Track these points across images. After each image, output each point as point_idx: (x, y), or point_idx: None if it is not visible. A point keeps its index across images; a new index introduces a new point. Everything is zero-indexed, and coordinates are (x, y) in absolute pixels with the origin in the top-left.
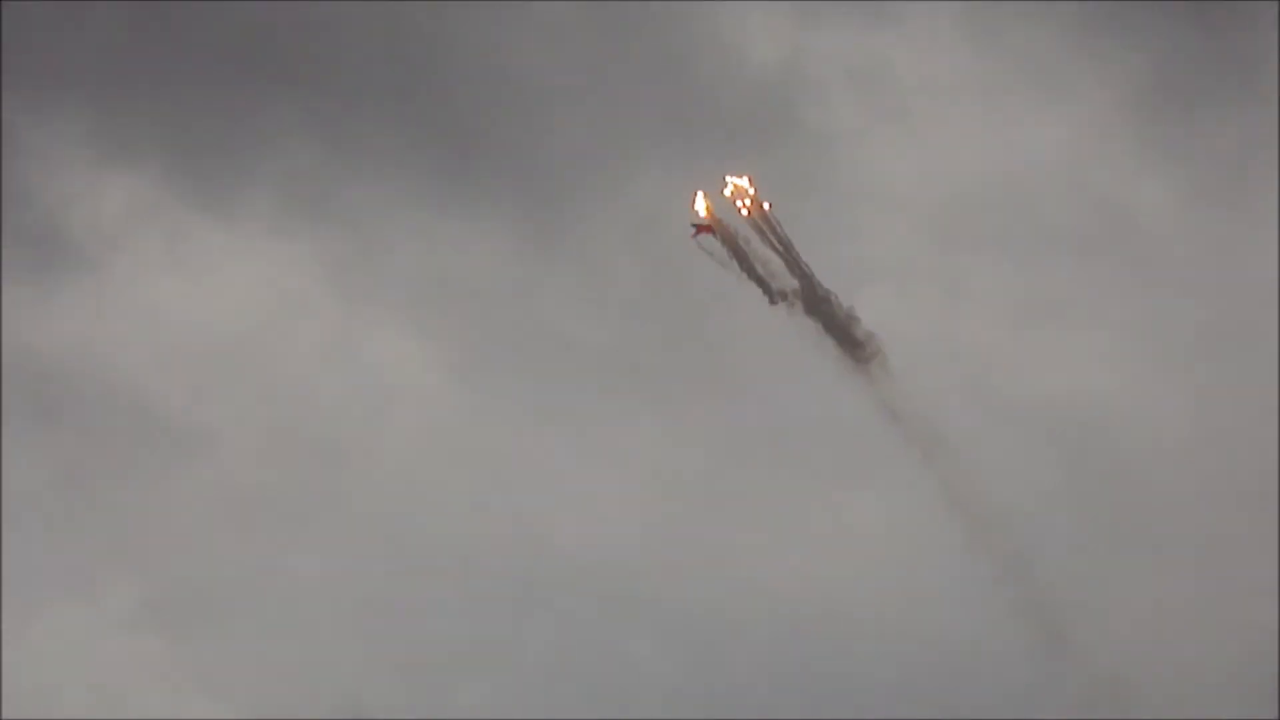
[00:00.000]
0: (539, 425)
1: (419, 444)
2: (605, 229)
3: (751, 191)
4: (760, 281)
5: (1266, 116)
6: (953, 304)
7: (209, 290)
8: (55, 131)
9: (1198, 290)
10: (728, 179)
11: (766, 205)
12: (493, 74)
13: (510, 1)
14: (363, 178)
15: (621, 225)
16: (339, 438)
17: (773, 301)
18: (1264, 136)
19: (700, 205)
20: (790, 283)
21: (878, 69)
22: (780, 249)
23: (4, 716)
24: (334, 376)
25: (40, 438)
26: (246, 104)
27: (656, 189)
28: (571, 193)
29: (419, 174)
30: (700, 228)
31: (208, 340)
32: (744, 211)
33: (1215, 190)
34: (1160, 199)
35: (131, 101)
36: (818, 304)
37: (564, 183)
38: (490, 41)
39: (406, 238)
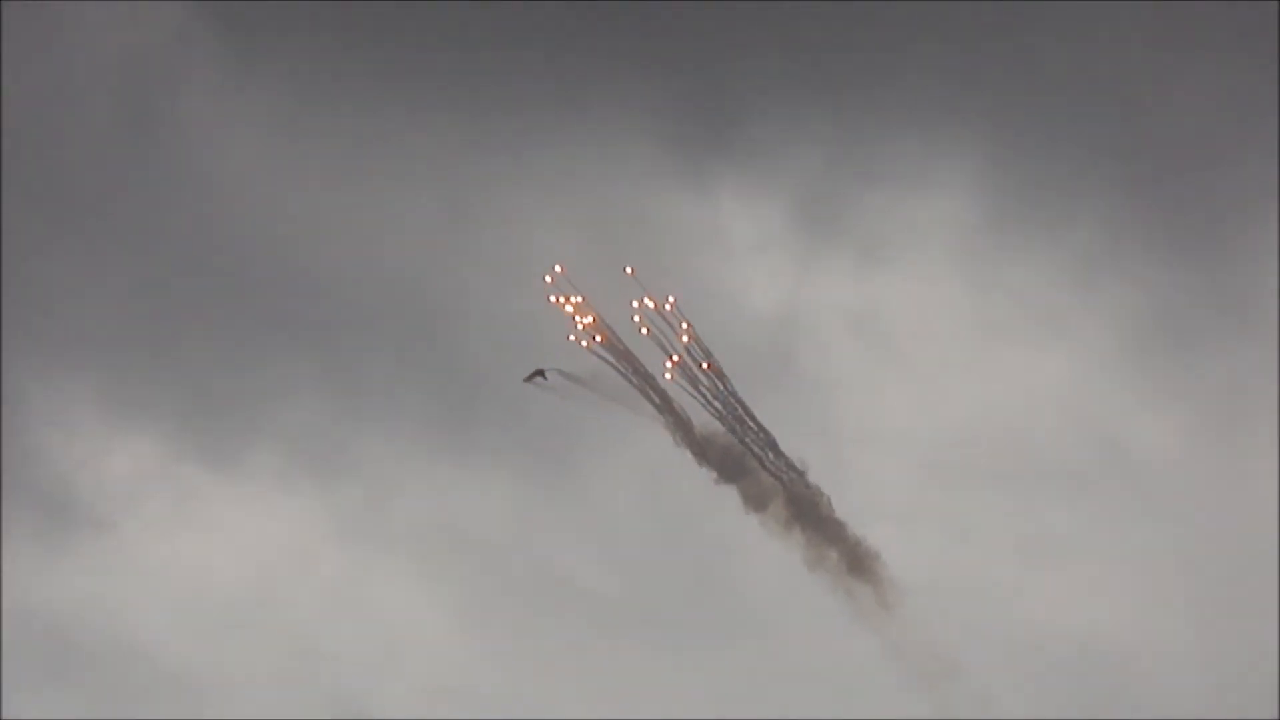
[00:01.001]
0: (548, 673)
1: (428, 693)
2: (611, 474)
3: (685, 332)
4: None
5: (1264, 352)
6: (956, 541)
7: (218, 545)
8: (64, 395)
9: (1197, 524)
10: (626, 271)
11: (704, 364)
12: (496, 324)
13: (514, 255)
14: (368, 430)
15: (627, 470)
16: (349, 687)
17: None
18: (1262, 371)
19: (563, 308)
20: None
21: (875, 312)
22: (737, 426)
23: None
24: (343, 626)
25: (53, 697)
26: (252, 362)
27: (660, 434)
28: (576, 439)
29: (424, 424)
30: (536, 372)
31: (217, 595)
32: (667, 370)
33: (1213, 425)
34: (1159, 434)
35: (138, 363)
36: (804, 503)
37: (569, 430)
38: (492, 291)
39: (413, 488)
